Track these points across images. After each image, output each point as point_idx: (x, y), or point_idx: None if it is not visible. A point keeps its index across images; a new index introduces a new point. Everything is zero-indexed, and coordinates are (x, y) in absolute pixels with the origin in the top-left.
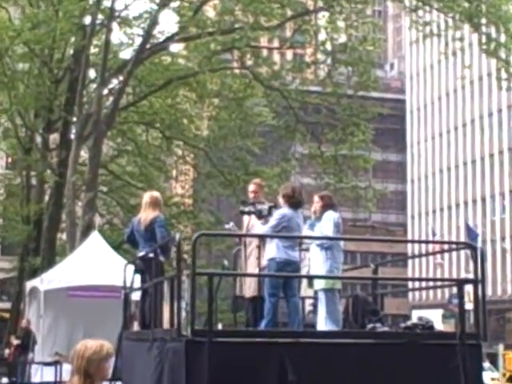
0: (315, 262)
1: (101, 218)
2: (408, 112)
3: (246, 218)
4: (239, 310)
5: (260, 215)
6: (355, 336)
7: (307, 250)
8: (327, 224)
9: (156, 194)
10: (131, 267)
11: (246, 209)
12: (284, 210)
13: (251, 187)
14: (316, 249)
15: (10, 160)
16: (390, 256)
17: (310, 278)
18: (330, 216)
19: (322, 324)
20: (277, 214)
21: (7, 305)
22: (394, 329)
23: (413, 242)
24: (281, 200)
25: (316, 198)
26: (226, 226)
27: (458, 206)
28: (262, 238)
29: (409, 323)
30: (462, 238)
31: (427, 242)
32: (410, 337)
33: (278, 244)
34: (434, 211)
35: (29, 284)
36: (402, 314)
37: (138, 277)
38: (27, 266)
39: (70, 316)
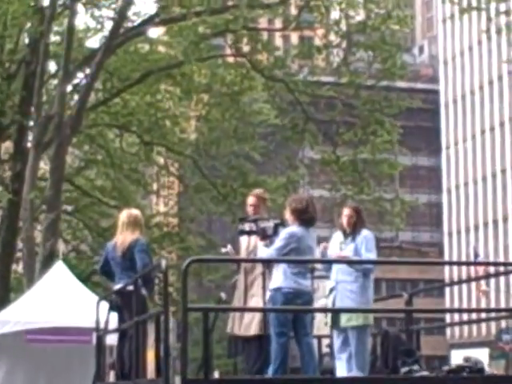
0: (346, 291)
1: (65, 245)
2: (442, 105)
3: (244, 239)
4: (239, 354)
5: (264, 235)
6: (387, 383)
7: (322, 277)
8: (370, 245)
9: (135, 212)
10: (105, 304)
11: (247, 227)
12: (293, 229)
13: (250, 200)
14: (348, 276)
15: None
16: (422, 283)
17: (328, 313)
18: (370, 236)
19: (344, 369)
20: (284, 233)
21: None
22: (435, 373)
23: (451, 264)
24: (288, 216)
25: (348, 211)
26: (223, 250)
27: (505, 220)
28: (267, 263)
29: (453, 365)
30: None
31: (468, 265)
32: (456, 382)
33: (285, 270)
34: (476, 227)
35: None
36: (439, 355)
37: (113, 315)
38: None
39: (28, 366)
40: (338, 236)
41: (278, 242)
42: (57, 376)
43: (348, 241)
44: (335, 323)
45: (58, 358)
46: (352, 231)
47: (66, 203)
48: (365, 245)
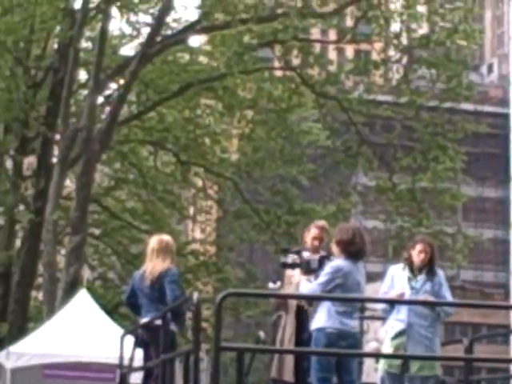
0: (419, 337)
1: (91, 271)
2: None
3: (289, 271)
4: None
5: (308, 269)
6: None
7: (373, 318)
8: (446, 286)
9: (167, 238)
10: (130, 338)
11: (289, 260)
12: (338, 262)
13: (314, 232)
14: (424, 320)
15: None
16: (485, 329)
17: (376, 357)
18: (444, 275)
19: None
20: (329, 267)
21: None
22: None
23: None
24: (334, 248)
25: (424, 246)
26: (271, 286)
27: None
28: (310, 300)
29: None
30: None
31: None
32: None
33: (329, 309)
34: None
35: None
36: None
37: (139, 352)
38: None
39: None
40: (398, 271)
41: (322, 276)
42: None
43: (420, 279)
44: (406, 370)
45: None
46: (429, 269)
47: (92, 226)
48: (445, 286)
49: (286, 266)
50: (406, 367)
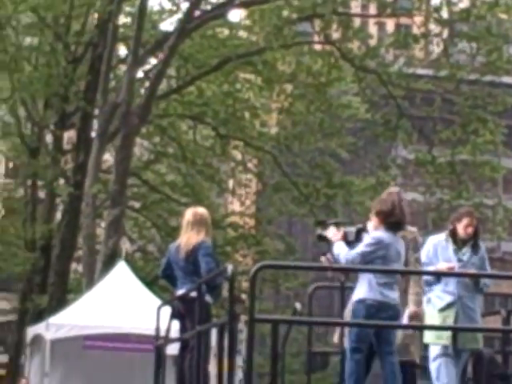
0: (467, 309)
1: (130, 244)
2: None
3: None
4: (316, 370)
5: (345, 241)
6: None
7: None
8: (487, 259)
9: (201, 210)
10: (167, 310)
11: (325, 232)
12: (380, 234)
13: (466, 221)
14: (470, 292)
15: (10, 165)
16: None
17: (415, 329)
18: (484, 248)
19: None
20: (370, 238)
21: (3, 358)
22: None
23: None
24: (374, 219)
25: (472, 220)
26: (322, 259)
27: None
28: (353, 272)
29: None
30: None
31: None
32: None
33: (370, 280)
34: None
35: (31, 330)
36: None
37: (176, 323)
38: (30, 307)
39: (85, 375)
40: (442, 243)
41: (363, 247)
42: None
43: (466, 252)
44: (454, 343)
45: (117, 367)
46: (474, 243)
47: (132, 199)
48: (486, 259)
49: (321, 238)
50: (455, 339)
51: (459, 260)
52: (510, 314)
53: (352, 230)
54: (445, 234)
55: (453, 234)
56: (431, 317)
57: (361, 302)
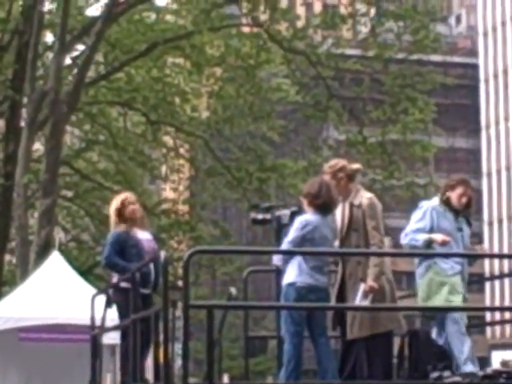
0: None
1: (64, 234)
2: (482, 81)
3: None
4: (255, 355)
5: (279, 224)
6: None
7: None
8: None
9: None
10: (102, 299)
11: (260, 216)
12: (307, 216)
13: (460, 190)
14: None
15: None
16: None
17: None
18: None
19: None
20: (297, 223)
21: None
22: (469, 378)
23: (491, 256)
24: (303, 201)
25: (462, 189)
26: None
27: None
28: (286, 255)
29: (489, 370)
30: None
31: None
32: None
33: (300, 264)
34: None
35: None
36: (478, 357)
37: (111, 312)
38: None
39: (22, 367)
40: (440, 211)
41: (292, 233)
42: (53, 377)
43: (462, 222)
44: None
45: (54, 359)
46: (467, 214)
47: (64, 188)
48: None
49: (256, 222)
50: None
51: (459, 229)
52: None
53: (286, 212)
54: (438, 202)
55: (447, 204)
56: (439, 282)
57: (291, 285)
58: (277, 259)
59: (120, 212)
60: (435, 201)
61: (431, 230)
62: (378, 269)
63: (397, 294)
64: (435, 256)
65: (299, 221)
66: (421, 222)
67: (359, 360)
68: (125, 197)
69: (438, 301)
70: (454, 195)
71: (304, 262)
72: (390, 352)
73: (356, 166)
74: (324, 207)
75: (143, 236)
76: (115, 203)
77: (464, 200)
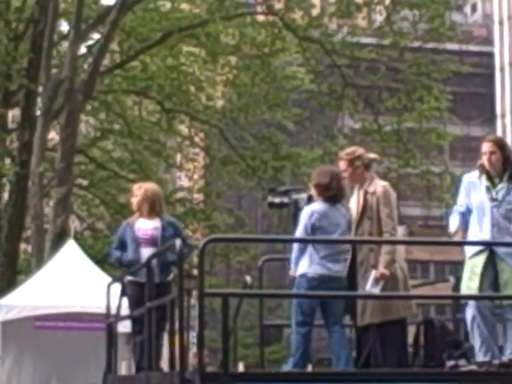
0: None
1: (79, 222)
2: (497, 70)
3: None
4: (270, 344)
5: (296, 208)
6: (430, 378)
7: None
8: None
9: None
10: (117, 288)
11: (277, 199)
12: (313, 206)
13: (484, 148)
14: (501, 236)
15: None
16: None
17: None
18: None
19: None
20: (303, 214)
21: None
22: (485, 367)
23: (507, 245)
24: (313, 191)
25: (486, 147)
26: (247, 278)
27: None
28: (299, 243)
29: (505, 358)
30: None
31: None
32: (507, 378)
33: (311, 254)
34: None
35: None
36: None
37: (126, 300)
38: None
39: (38, 355)
40: (474, 181)
41: (300, 226)
42: (69, 366)
43: (502, 189)
44: None
45: (69, 347)
46: (502, 172)
47: (79, 177)
48: None
49: (273, 205)
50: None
51: (492, 199)
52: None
53: (303, 196)
54: (477, 171)
55: (484, 170)
56: (465, 266)
57: (303, 276)
58: (292, 271)
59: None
60: (475, 173)
61: (466, 205)
62: (389, 256)
63: (410, 283)
64: (435, 244)
65: (305, 212)
66: (458, 198)
67: (374, 348)
68: (131, 190)
69: (462, 287)
70: (484, 158)
71: (315, 251)
72: (404, 340)
73: (373, 155)
74: (333, 198)
75: (147, 225)
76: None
77: (493, 159)
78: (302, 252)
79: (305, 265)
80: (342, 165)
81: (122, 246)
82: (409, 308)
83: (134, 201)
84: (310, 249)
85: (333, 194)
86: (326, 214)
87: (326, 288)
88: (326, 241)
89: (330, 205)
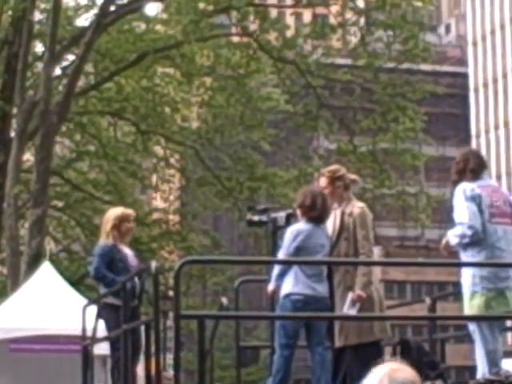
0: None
1: (54, 244)
2: (471, 90)
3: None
4: (246, 365)
5: (275, 226)
6: None
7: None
8: (458, 199)
9: (107, 213)
10: (93, 310)
11: (256, 217)
12: (298, 226)
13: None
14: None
15: None
16: (451, 287)
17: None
18: (460, 189)
19: None
20: (288, 233)
21: None
22: None
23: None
24: (297, 211)
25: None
26: (224, 300)
27: None
28: (282, 264)
29: (481, 379)
30: None
31: (505, 266)
32: None
33: (296, 274)
34: None
35: None
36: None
37: (102, 323)
38: None
39: (13, 378)
40: None
41: (284, 245)
42: None
43: None
44: None
45: (45, 369)
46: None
47: (55, 198)
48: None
49: (252, 223)
50: None
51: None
52: (435, 301)
53: (282, 214)
54: None
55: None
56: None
57: (287, 296)
58: (271, 285)
59: (117, 226)
60: None
61: None
62: (366, 278)
63: (387, 303)
64: (416, 265)
65: (290, 231)
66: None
67: (349, 369)
68: (127, 213)
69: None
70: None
71: (300, 271)
72: (379, 361)
73: (354, 176)
74: (318, 219)
75: (128, 252)
76: (116, 215)
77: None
78: (284, 269)
79: (289, 284)
80: (323, 182)
81: (108, 266)
82: (384, 331)
83: (132, 228)
84: (295, 268)
85: (317, 214)
86: (311, 234)
87: (312, 309)
88: (306, 262)
89: (314, 225)
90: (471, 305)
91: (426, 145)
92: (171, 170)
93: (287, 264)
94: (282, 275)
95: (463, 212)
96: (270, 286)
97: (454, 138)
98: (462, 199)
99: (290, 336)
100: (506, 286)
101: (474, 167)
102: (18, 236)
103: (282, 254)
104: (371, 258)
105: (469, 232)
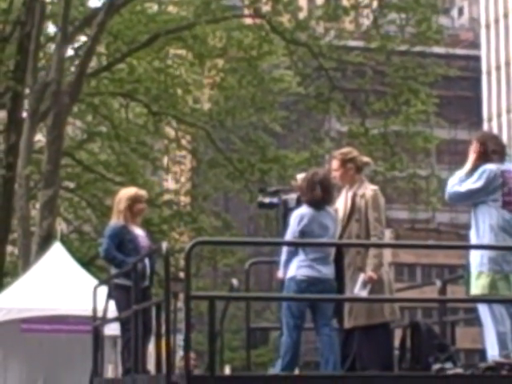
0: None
1: (66, 225)
2: (484, 73)
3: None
4: (256, 347)
5: (286, 208)
6: (416, 381)
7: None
8: (477, 179)
9: (119, 193)
10: (104, 290)
11: (267, 199)
12: (301, 210)
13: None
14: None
15: None
16: (461, 270)
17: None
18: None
19: None
20: (292, 219)
21: None
22: (471, 370)
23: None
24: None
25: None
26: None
27: None
28: (290, 246)
29: (491, 362)
30: None
31: None
32: (493, 381)
33: (300, 257)
34: None
35: None
36: (481, 349)
37: (112, 303)
38: None
39: (24, 358)
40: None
41: (289, 230)
42: (56, 369)
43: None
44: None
45: (55, 350)
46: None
47: (66, 179)
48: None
49: (263, 205)
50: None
51: None
52: (445, 284)
53: (293, 196)
54: None
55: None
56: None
57: (291, 279)
58: (281, 273)
59: (130, 206)
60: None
61: None
62: (377, 260)
63: (397, 286)
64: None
65: (294, 216)
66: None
67: (359, 351)
68: (140, 194)
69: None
70: None
71: (304, 254)
72: (389, 343)
73: (366, 158)
74: (319, 202)
75: (139, 232)
76: (129, 195)
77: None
78: (291, 255)
79: (294, 267)
80: (335, 164)
81: (119, 247)
82: (393, 313)
83: (144, 208)
84: (300, 252)
85: (317, 198)
86: (315, 217)
87: (316, 290)
88: (314, 244)
89: (315, 209)
90: (477, 284)
91: (437, 127)
92: (182, 151)
93: (296, 246)
94: (289, 261)
95: (476, 185)
96: (280, 274)
97: (466, 122)
98: (485, 177)
99: (296, 316)
100: (510, 270)
101: (496, 149)
102: (29, 217)
103: (287, 238)
104: (383, 240)
105: (460, 190)
